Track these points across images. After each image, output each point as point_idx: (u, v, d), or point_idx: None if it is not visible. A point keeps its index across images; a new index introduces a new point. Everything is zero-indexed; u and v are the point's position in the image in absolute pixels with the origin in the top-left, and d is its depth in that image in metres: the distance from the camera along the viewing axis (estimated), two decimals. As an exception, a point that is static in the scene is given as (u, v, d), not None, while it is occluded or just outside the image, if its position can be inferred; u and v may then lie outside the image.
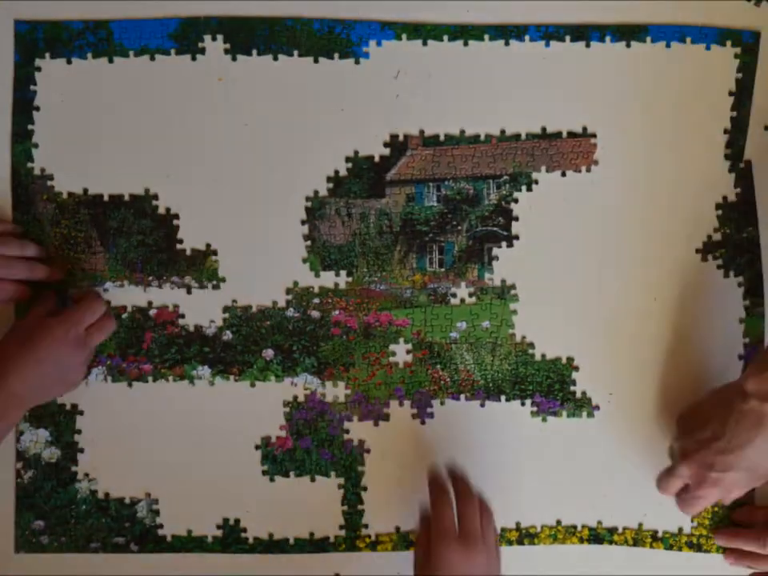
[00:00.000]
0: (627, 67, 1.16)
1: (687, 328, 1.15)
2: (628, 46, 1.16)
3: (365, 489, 1.15)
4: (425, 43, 1.16)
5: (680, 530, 1.15)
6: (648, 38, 1.16)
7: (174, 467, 1.15)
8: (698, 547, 1.16)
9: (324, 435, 1.15)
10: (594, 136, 1.16)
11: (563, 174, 1.16)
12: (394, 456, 1.15)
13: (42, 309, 1.10)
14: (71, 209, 1.16)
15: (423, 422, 1.15)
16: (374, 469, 1.16)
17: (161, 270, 1.16)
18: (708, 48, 1.16)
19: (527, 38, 1.16)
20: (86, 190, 1.15)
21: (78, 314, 1.09)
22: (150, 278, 1.16)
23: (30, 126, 1.14)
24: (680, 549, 1.15)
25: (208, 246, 1.16)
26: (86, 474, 1.15)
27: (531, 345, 1.16)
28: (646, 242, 1.16)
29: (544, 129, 1.15)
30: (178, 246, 1.16)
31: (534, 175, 1.16)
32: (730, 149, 1.16)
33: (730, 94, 1.16)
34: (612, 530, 1.15)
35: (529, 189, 1.16)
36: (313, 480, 1.15)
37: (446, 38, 1.16)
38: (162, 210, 1.16)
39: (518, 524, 1.15)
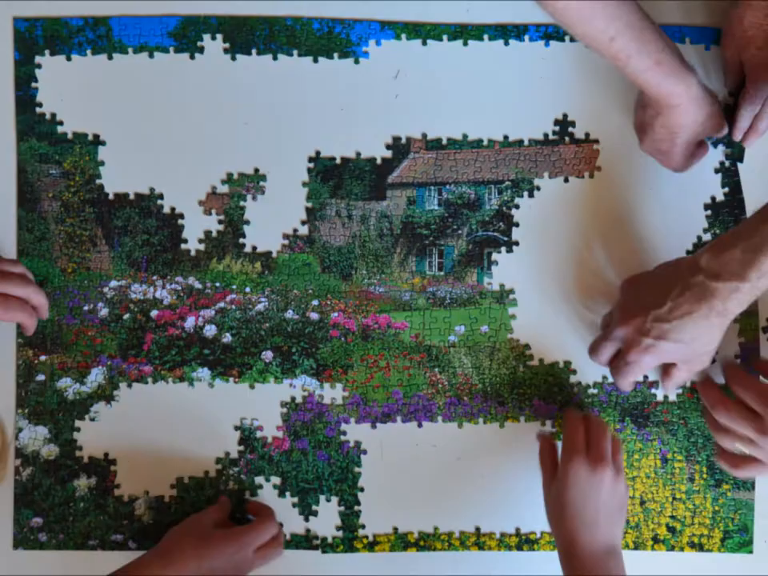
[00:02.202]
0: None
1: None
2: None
3: (362, 490, 1.16)
4: (425, 43, 1.16)
5: (680, 531, 1.17)
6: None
7: (174, 467, 1.15)
8: (699, 547, 1.16)
9: (321, 437, 1.15)
10: (597, 141, 1.16)
11: (566, 180, 1.16)
12: (391, 457, 1.16)
13: (216, 515, 1.10)
14: (76, 207, 1.16)
15: (420, 425, 1.16)
16: (370, 470, 1.16)
17: (165, 270, 1.16)
18: (707, 48, 1.16)
19: (527, 37, 1.16)
20: (90, 188, 1.16)
21: (251, 536, 1.08)
22: (155, 278, 1.16)
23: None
24: (682, 549, 1.16)
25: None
26: (85, 473, 1.15)
27: (528, 347, 1.16)
28: (642, 246, 1.16)
29: (546, 135, 1.15)
30: (182, 246, 1.16)
31: (536, 181, 1.16)
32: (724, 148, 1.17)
33: (730, 94, 1.16)
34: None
35: (531, 195, 1.16)
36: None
37: (445, 37, 1.16)
38: (167, 210, 1.16)
39: (517, 530, 1.16)
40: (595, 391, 1.15)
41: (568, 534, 1.02)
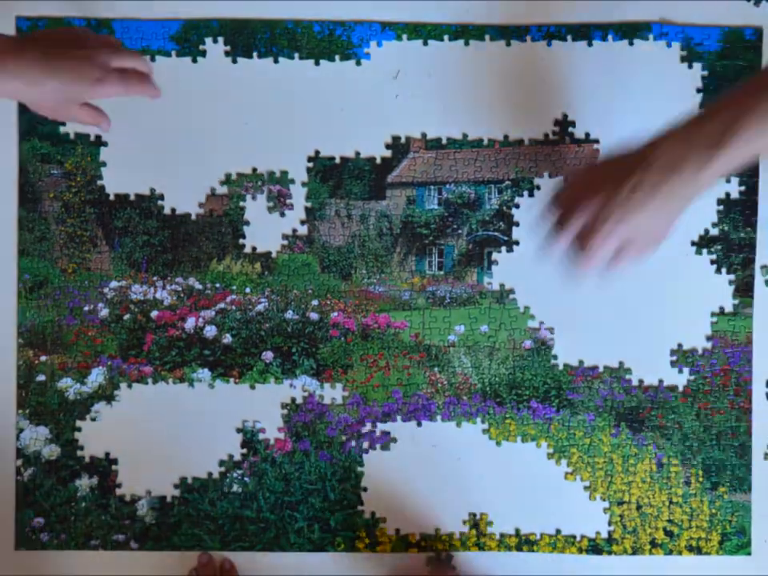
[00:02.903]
0: (629, 65, 1.16)
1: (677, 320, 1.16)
2: (631, 44, 1.15)
3: (365, 490, 1.16)
4: (425, 43, 1.16)
5: (678, 535, 1.16)
6: (650, 37, 1.15)
7: (176, 467, 1.16)
8: (697, 550, 1.16)
9: (323, 437, 1.15)
10: (597, 141, 1.15)
11: (566, 180, 1.15)
12: (393, 458, 1.16)
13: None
14: (77, 207, 1.17)
15: (420, 424, 1.16)
16: (373, 470, 1.16)
17: (165, 271, 1.17)
18: (711, 48, 1.16)
19: (529, 37, 1.16)
20: (91, 189, 1.16)
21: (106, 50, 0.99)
22: (155, 278, 1.17)
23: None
24: (680, 553, 1.16)
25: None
26: (87, 473, 1.15)
27: (529, 350, 1.16)
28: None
29: (546, 135, 1.15)
30: (185, 248, 1.17)
31: (537, 180, 1.16)
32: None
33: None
34: (611, 541, 1.16)
35: (531, 194, 1.16)
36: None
37: (446, 37, 1.16)
38: (167, 210, 1.16)
39: (517, 530, 1.16)
40: (591, 395, 1.16)
41: None
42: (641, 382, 1.15)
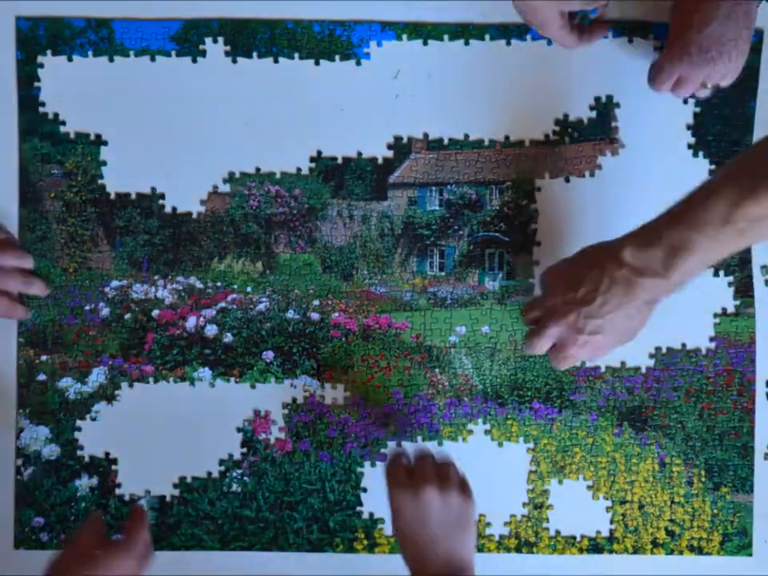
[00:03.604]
0: (630, 64, 1.16)
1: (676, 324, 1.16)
2: (630, 42, 1.15)
3: (364, 490, 1.16)
4: (426, 43, 1.16)
5: (679, 535, 1.16)
6: (651, 35, 1.16)
7: (176, 466, 1.16)
8: (699, 550, 1.16)
9: (323, 437, 1.15)
10: (598, 141, 1.15)
11: (567, 180, 1.16)
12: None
13: (90, 537, 1.01)
14: (78, 207, 1.16)
15: (420, 426, 1.15)
16: (372, 471, 1.16)
17: (166, 270, 1.17)
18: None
19: (529, 37, 1.16)
20: (92, 188, 1.16)
21: (128, 548, 1.00)
22: (156, 278, 1.16)
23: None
24: (681, 553, 1.16)
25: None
26: (87, 473, 1.15)
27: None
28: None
29: (547, 135, 1.15)
30: (186, 247, 1.17)
31: (537, 182, 1.16)
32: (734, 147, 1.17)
33: (735, 93, 1.15)
34: (611, 540, 1.16)
35: (532, 195, 1.16)
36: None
37: (446, 37, 1.16)
38: (168, 209, 1.16)
39: (517, 532, 1.16)
40: (593, 395, 1.16)
41: (413, 562, 1.01)
42: (644, 381, 1.16)
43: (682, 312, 1.14)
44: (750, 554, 1.15)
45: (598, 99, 1.15)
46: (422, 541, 1.00)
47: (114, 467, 1.15)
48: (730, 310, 1.16)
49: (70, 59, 1.15)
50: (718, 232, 0.91)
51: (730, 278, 1.16)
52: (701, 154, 1.16)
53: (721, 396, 1.16)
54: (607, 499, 1.15)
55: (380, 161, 1.16)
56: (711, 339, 1.16)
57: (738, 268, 1.16)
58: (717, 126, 1.16)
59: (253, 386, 1.15)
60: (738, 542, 1.15)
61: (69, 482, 1.15)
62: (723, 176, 0.93)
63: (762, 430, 1.15)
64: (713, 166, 1.16)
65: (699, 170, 1.15)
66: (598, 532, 1.15)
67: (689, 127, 1.16)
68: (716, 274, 1.16)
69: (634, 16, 1.16)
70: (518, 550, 1.16)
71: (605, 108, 1.16)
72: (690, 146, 1.16)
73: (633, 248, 0.96)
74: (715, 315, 1.16)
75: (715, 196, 0.91)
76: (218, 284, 1.17)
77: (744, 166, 0.93)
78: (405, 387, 1.16)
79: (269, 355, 1.16)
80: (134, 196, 1.16)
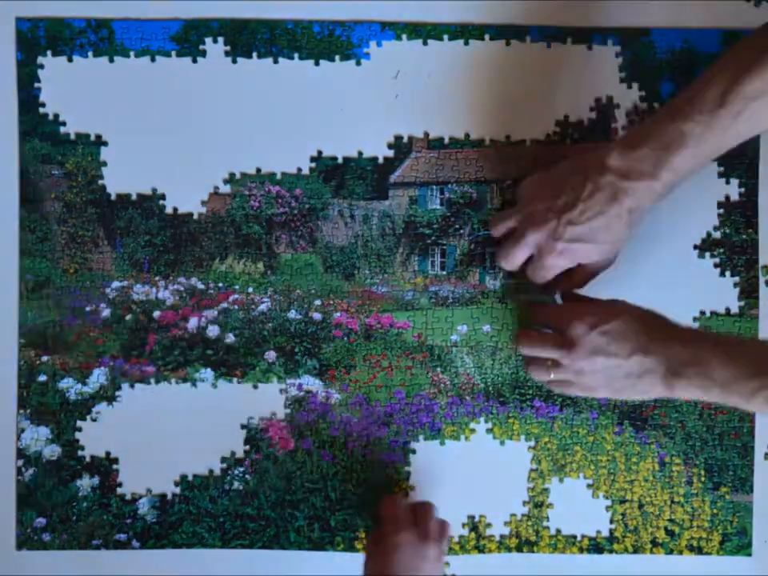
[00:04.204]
0: (629, 70, 1.16)
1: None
2: (630, 48, 1.16)
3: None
4: (425, 43, 1.16)
5: (679, 534, 1.17)
6: (650, 41, 1.16)
7: (177, 465, 1.16)
8: (698, 550, 1.17)
9: (325, 437, 1.16)
10: (598, 141, 1.16)
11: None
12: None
13: (410, 534, 1.05)
14: (79, 208, 1.16)
15: (422, 425, 1.16)
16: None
17: (168, 270, 1.17)
18: (712, 50, 1.16)
19: (528, 38, 1.16)
20: (92, 189, 1.16)
21: (435, 533, 1.06)
22: (157, 278, 1.17)
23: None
24: (680, 553, 1.16)
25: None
26: (88, 473, 1.15)
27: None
28: (648, 241, 1.16)
29: (548, 135, 1.15)
30: (187, 248, 1.17)
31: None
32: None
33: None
34: (612, 539, 1.17)
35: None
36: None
37: (446, 37, 1.16)
38: (169, 210, 1.16)
39: (517, 532, 1.16)
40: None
41: None
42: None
43: (684, 313, 1.15)
44: (750, 554, 1.16)
45: (598, 100, 1.16)
46: None
47: (114, 467, 1.15)
48: (734, 310, 1.16)
49: (70, 60, 1.15)
50: (711, 117, 0.89)
51: (736, 279, 1.16)
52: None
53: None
54: (607, 498, 1.16)
55: (380, 160, 1.16)
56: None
57: (744, 269, 1.16)
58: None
59: (255, 387, 1.16)
60: (738, 541, 1.16)
61: (70, 483, 1.15)
62: (722, 59, 0.91)
63: (761, 430, 1.16)
64: (721, 168, 1.16)
65: (708, 173, 1.16)
66: (598, 532, 1.16)
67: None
68: (722, 275, 1.16)
69: (634, 23, 1.16)
70: (519, 549, 1.16)
71: (605, 109, 1.16)
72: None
73: (619, 150, 0.95)
74: (719, 316, 1.16)
75: (711, 79, 0.89)
76: (220, 285, 1.17)
77: (746, 44, 0.90)
78: (407, 386, 1.16)
79: (271, 355, 1.16)
80: (134, 197, 1.16)
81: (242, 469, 1.15)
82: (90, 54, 1.15)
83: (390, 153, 1.16)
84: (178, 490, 1.16)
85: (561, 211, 0.98)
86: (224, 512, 1.16)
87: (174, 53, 1.15)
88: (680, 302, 1.15)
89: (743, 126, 0.90)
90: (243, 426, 1.15)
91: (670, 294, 1.14)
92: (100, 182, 1.16)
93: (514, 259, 1.04)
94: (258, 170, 1.16)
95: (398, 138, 1.16)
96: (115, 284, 1.16)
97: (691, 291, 1.16)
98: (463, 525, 1.16)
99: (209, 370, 1.15)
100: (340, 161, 1.16)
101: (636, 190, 0.94)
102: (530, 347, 1.06)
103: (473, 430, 1.16)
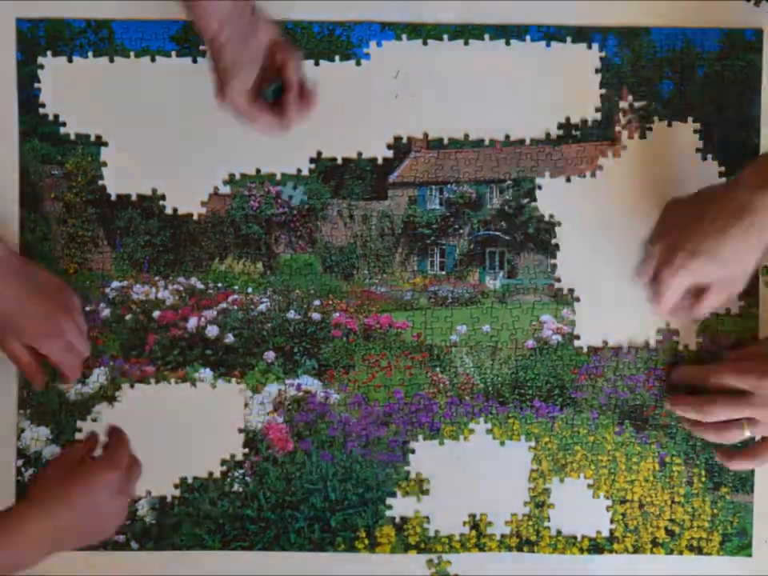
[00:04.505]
0: (629, 70, 1.16)
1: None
2: (630, 48, 1.16)
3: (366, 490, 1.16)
4: (425, 43, 1.16)
5: (679, 534, 1.16)
6: (650, 41, 1.16)
7: (177, 467, 1.16)
8: (698, 550, 1.16)
9: (324, 437, 1.15)
10: (598, 141, 1.16)
11: (568, 180, 1.16)
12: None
13: (74, 453, 1.02)
14: (78, 208, 1.16)
15: (421, 425, 1.16)
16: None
17: (167, 270, 1.17)
18: (712, 49, 1.16)
19: (528, 38, 1.16)
20: (92, 189, 1.16)
21: (117, 457, 1.03)
22: (157, 278, 1.17)
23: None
24: (681, 553, 1.16)
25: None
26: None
27: (532, 349, 1.16)
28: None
29: (548, 135, 1.15)
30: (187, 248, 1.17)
31: (538, 180, 1.16)
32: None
33: (737, 93, 1.16)
34: (612, 539, 1.16)
35: (532, 194, 1.16)
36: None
37: (446, 37, 1.16)
38: (169, 210, 1.16)
39: (518, 531, 1.16)
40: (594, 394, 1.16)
41: None
42: (645, 379, 1.16)
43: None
44: (750, 555, 1.15)
45: (602, 100, 1.16)
46: None
47: (114, 467, 1.15)
48: (734, 310, 1.15)
49: (70, 60, 1.16)
50: None
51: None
52: (709, 157, 1.16)
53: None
54: (608, 498, 1.15)
55: (380, 161, 1.16)
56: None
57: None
58: (722, 128, 1.16)
59: (254, 387, 1.15)
60: (738, 542, 1.15)
61: (70, 483, 1.15)
62: None
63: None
64: (722, 168, 1.15)
65: (709, 173, 1.15)
66: (599, 532, 1.15)
67: (695, 131, 1.16)
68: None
69: (633, 22, 1.16)
70: (519, 549, 1.16)
71: (608, 110, 1.16)
72: (697, 150, 1.16)
73: (751, 168, 0.97)
74: (719, 315, 1.15)
75: None
76: (219, 285, 1.17)
77: None
78: (406, 386, 1.16)
79: (270, 355, 1.16)
80: (134, 197, 1.16)
81: (241, 471, 1.15)
82: (89, 54, 1.16)
83: (390, 153, 1.16)
84: (177, 492, 1.15)
85: (687, 225, 0.98)
86: (224, 514, 1.15)
87: (174, 53, 1.16)
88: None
89: None
90: (241, 430, 1.15)
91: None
92: (100, 182, 1.16)
93: (641, 274, 1.05)
94: (258, 171, 1.16)
95: (398, 139, 1.16)
96: (115, 284, 1.17)
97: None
98: (464, 523, 1.15)
99: (208, 369, 1.15)
100: (339, 161, 1.16)
101: (766, 202, 0.94)
102: (720, 410, 1.05)
103: (472, 431, 1.16)
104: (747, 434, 1.05)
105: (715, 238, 0.96)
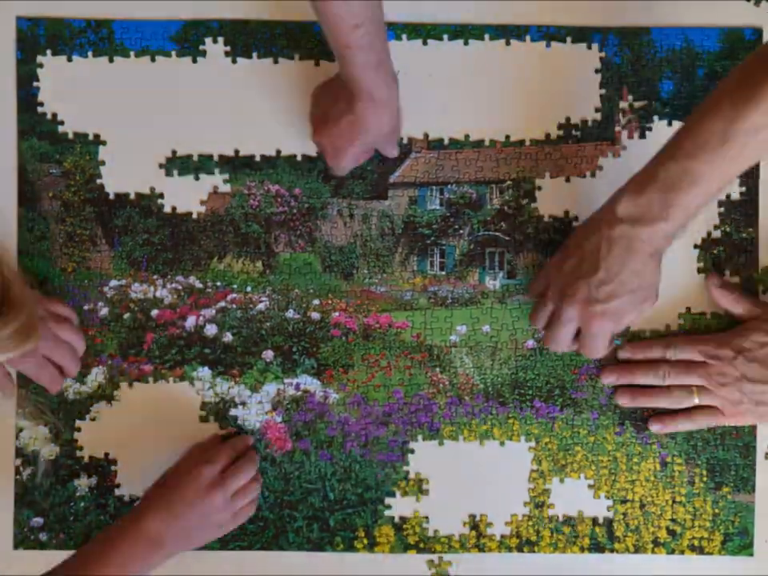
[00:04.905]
0: (629, 69, 1.16)
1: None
2: (630, 48, 1.15)
3: (366, 489, 1.15)
4: (425, 43, 1.16)
5: (680, 534, 1.16)
6: (650, 41, 1.16)
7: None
8: (700, 550, 1.16)
9: (323, 437, 1.15)
10: (598, 141, 1.15)
11: (567, 180, 1.16)
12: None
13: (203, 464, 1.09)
14: (77, 206, 1.16)
15: (421, 425, 1.15)
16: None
17: (166, 269, 1.17)
18: (712, 48, 1.16)
19: (528, 38, 1.16)
20: (90, 188, 1.16)
21: (231, 478, 1.09)
22: (155, 277, 1.16)
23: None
24: (682, 552, 1.15)
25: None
26: (86, 473, 1.15)
27: (531, 349, 1.16)
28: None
29: (548, 135, 1.15)
30: (186, 247, 1.17)
31: (538, 181, 1.16)
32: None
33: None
34: (613, 539, 1.16)
35: (532, 194, 1.16)
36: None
37: (446, 37, 1.16)
38: (168, 209, 1.16)
39: (518, 532, 1.16)
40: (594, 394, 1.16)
41: None
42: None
43: (683, 311, 1.16)
44: (752, 554, 1.15)
45: (602, 100, 1.16)
46: None
47: (113, 467, 1.15)
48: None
49: (69, 59, 1.16)
50: (716, 155, 0.88)
51: (736, 279, 1.16)
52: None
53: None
54: (608, 498, 1.15)
55: (380, 160, 1.16)
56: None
57: (744, 268, 1.16)
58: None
59: (253, 386, 1.15)
60: (740, 541, 1.15)
61: (68, 482, 1.15)
62: (716, 93, 0.90)
63: (763, 430, 1.15)
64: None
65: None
66: (599, 532, 1.15)
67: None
68: (722, 274, 1.16)
69: (633, 22, 1.16)
70: (519, 549, 1.15)
71: (608, 110, 1.16)
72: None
73: (626, 199, 0.95)
74: (718, 314, 1.15)
75: (710, 116, 0.88)
76: (218, 283, 1.16)
77: (740, 77, 0.89)
78: (405, 386, 1.16)
79: (269, 355, 1.16)
80: (132, 196, 1.16)
81: (240, 470, 1.15)
82: (89, 53, 1.16)
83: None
84: (177, 492, 1.15)
85: (587, 275, 0.98)
86: (222, 514, 1.15)
87: (174, 53, 1.16)
88: (679, 301, 1.15)
89: (747, 158, 0.90)
90: (239, 428, 1.15)
91: (669, 291, 1.14)
92: (98, 180, 1.16)
93: (562, 340, 1.04)
94: (258, 170, 1.16)
95: (398, 139, 1.16)
96: (113, 283, 1.16)
97: (691, 289, 1.15)
98: (464, 523, 1.15)
99: (206, 368, 1.15)
100: (339, 161, 1.16)
101: (650, 234, 0.94)
102: (675, 376, 1.10)
103: (472, 431, 1.15)
104: (696, 400, 1.09)
105: (621, 276, 0.97)
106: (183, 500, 1.06)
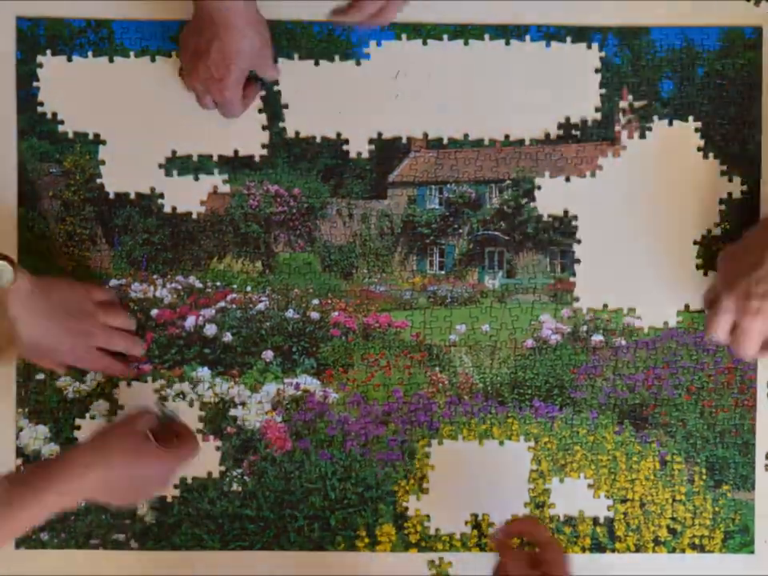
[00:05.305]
0: (629, 69, 1.16)
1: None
2: (629, 47, 1.16)
3: (366, 489, 1.15)
4: (425, 43, 1.16)
5: (681, 533, 1.16)
6: (650, 40, 1.16)
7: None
8: (700, 548, 1.16)
9: (323, 436, 1.15)
10: (598, 141, 1.15)
11: (567, 180, 1.16)
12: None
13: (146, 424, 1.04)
14: (77, 206, 1.16)
15: (420, 425, 1.15)
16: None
17: (166, 269, 1.17)
18: (712, 48, 1.16)
19: (528, 38, 1.16)
20: (90, 187, 1.16)
21: (177, 461, 1.05)
22: (155, 277, 1.17)
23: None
24: (683, 551, 1.16)
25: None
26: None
27: (531, 349, 1.16)
28: (648, 235, 1.16)
29: (548, 135, 1.15)
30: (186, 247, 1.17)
31: (537, 180, 1.16)
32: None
33: (738, 91, 1.16)
34: (613, 539, 1.16)
35: (531, 194, 1.16)
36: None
37: (445, 37, 1.16)
38: (167, 209, 1.16)
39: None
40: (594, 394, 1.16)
41: None
42: (645, 378, 1.15)
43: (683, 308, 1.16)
44: (752, 552, 1.15)
45: (602, 100, 1.16)
46: None
47: (113, 467, 1.15)
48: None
49: (69, 59, 1.16)
50: None
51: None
52: (710, 155, 1.16)
53: (722, 394, 1.15)
54: (608, 498, 1.15)
55: (379, 160, 1.16)
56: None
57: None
58: (723, 126, 1.16)
59: (252, 386, 1.15)
60: (740, 539, 1.15)
61: (68, 482, 1.15)
62: None
63: (762, 428, 1.15)
64: (724, 167, 1.16)
65: (710, 172, 1.16)
66: (600, 531, 1.15)
67: (696, 130, 1.16)
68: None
69: (633, 21, 1.16)
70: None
71: (608, 110, 1.16)
72: (699, 149, 1.16)
73: None
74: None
75: None
76: (218, 283, 1.17)
77: None
78: (405, 386, 1.16)
79: (268, 354, 1.16)
80: (132, 195, 1.16)
81: (240, 470, 1.15)
82: (89, 53, 1.16)
83: (389, 153, 1.16)
84: (177, 492, 1.15)
85: (749, 270, 0.97)
86: (223, 514, 1.15)
87: (174, 53, 1.16)
88: (679, 298, 1.16)
89: None
90: (239, 428, 1.15)
91: (669, 289, 1.14)
92: (98, 180, 1.16)
93: (715, 327, 1.02)
94: (258, 170, 1.16)
95: (398, 139, 1.16)
96: (113, 282, 1.16)
97: (690, 287, 1.15)
98: (466, 522, 1.15)
99: (206, 368, 1.15)
100: (339, 160, 1.16)
101: None
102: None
103: (471, 430, 1.15)
104: None
105: None
106: (125, 470, 1.00)
